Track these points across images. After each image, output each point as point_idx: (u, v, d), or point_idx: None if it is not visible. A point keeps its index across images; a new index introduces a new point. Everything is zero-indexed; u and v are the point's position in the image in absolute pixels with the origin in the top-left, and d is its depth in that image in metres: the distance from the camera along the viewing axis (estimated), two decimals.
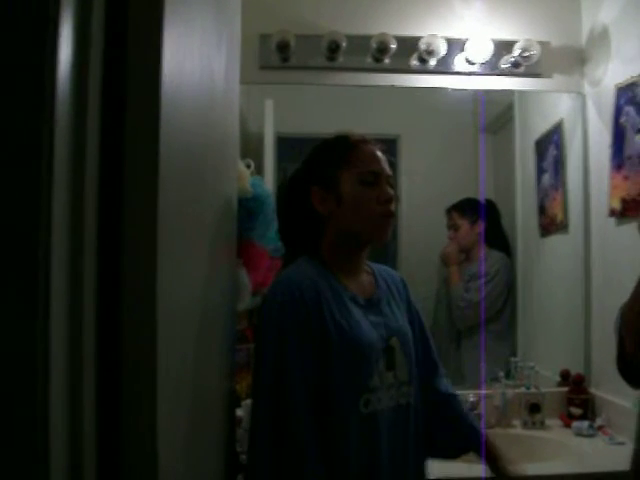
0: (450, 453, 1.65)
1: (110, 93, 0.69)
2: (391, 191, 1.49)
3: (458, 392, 2.56)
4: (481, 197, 2.90)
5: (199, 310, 1.05)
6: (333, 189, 1.48)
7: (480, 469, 1.62)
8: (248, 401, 2.04)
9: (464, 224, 2.92)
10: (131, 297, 0.70)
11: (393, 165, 1.55)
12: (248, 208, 1.71)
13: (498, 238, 2.93)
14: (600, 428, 2.44)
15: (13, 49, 0.57)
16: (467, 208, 2.91)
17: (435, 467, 1.67)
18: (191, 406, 0.98)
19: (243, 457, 1.71)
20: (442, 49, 2.67)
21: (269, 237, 1.76)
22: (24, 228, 0.56)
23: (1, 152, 0.56)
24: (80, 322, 0.63)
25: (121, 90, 0.70)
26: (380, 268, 1.64)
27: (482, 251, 2.90)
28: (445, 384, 1.67)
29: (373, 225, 1.48)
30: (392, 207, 1.48)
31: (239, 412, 1.91)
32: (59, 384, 0.59)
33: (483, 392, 2.60)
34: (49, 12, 0.58)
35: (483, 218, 2.89)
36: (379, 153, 1.52)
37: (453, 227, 2.93)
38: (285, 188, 1.62)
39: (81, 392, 0.63)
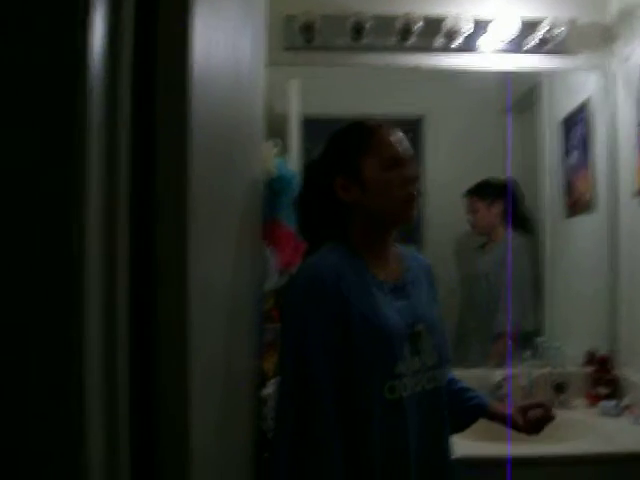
0: (461, 425, 1.68)
1: (141, 78, 0.70)
2: (414, 172, 1.49)
3: (484, 372, 2.61)
4: (508, 177, 2.88)
5: (229, 290, 1.07)
6: (356, 177, 1.48)
7: (501, 448, 1.65)
8: (275, 380, 2.07)
9: (481, 207, 2.90)
10: (164, 279, 0.71)
11: (415, 144, 1.54)
12: (273, 189, 1.72)
13: (519, 219, 2.91)
14: (627, 408, 2.43)
15: (50, 31, 0.58)
16: (484, 190, 2.89)
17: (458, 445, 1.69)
18: (222, 384, 1.00)
19: (270, 435, 1.73)
20: (468, 28, 2.65)
21: (295, 218, 1.77)
22: (61, 210, 0.58)
23: (37, 138, 0.58)
24: (114, 304, 0.64)
25: (151, 74, 0.71)
26: (408, 251, 1.65)
27: (507, 231, 2.88)
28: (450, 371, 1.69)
29: (399, 208, 1.48)
30: (416, 188, 1.49)
31: (266, 391, 1.93)
32: (94, 366, 0.60)
33: (509, 371, 2.60)
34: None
35: (509, 198, 2.87)
36: (397, 135, 1.52)
37: (472, 211, 2.92)
38: (307, 179, 1.62)
39: (115, 371, 0.64)
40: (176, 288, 0.72)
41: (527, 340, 2.79)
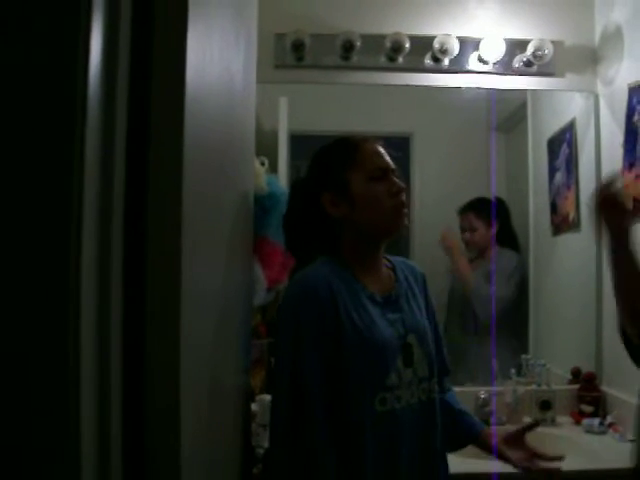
0: (451, 447, 1.67)
1: (136, 94, 0.71)
2: (400, 183, 1.51)
3: (470, 389, 2.62)
4: (492, 196, 2.90)
5: (219, 305, 1.07)
6: (344, 192, 1.49)
7: (487, 465, 1.65)
8: (262, 396, 2.07)
9: (480, 225, 2.91)
10: (155, 291, 0.72)
11: (396, 159, 1.56)
12: (263, 205, 1.73)
13: (509, 237, 2.93)
14: (611, 425, 2.45)
15: (48, 59, 0.59)
16: (482, 208, 2.90)
17: (454, 462, 1.69)
18: (211, 401, 1.01)
19: (258, 451, 1.74)
20: (456, 48, 2.69)
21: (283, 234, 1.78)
22: (57, 222, 0.59)
23: (35, 152, 0.59)
24: (107, 318, 0.65)
25: (146, 90, 0.72)
26: (400, 261, 1.65)
27: (494, 250, 2.90)
28: (448, 383, 1.70)
29: (389, 218, 1.50)
30: (403, 197, 1.50)
31: (253, 407, 1.94)
32: (88, 376, 0.61)
33: (494, 389, 2.61)
34: (80, 16, 0.61)
35: (494, 217, 2.88)
36: (381, 149, 1.54)
37: (470, 229, 2.92)
38: (294, 197, 1.63)
39: (109, 384, 0.65)
40: (169, 298, 0.73)
41: (512, 358, 2.80)
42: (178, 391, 0.74)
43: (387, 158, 1.53)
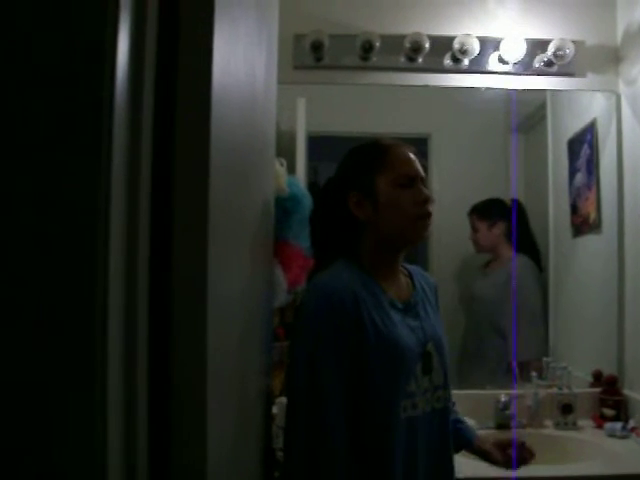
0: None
1: (163, 96, 0.70)
2: (427, 192, 1.49)
3: (490, 392, 2.60)
4: (513, 197, 2.88)
5: (243, 309, 1.07)
6: (370, 194, 1.48)
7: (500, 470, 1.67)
8: (282, 398, 2.06)
9: (482, 227, 2.91)
10: (183, 297, 0.71)
11: (425, 167, 1.55)
12: (284, 207, 1.72)
13: (524, 240, 2.91)
14: (633, 429, 2.42)
15: (74, 66, 0.59)
16: (486, 210, 2.90)
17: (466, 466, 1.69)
18: (236, 404, 1.00)
19: (279, 454, 1.73)
20: (476, 48, 2.67)
21: (304, 236, 1.77)
22: (84, 229, 0.58)
23: (62, 162, 0.58)
24: (135, 324, 0.64)
25: (173, 92, 0.72)
26: (416, 270, 1.64)
27: (511, 252, 2.87)
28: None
29: (412, 226, 1.48)
30: (430, 208, 1.48)
31: (274, 409, 1.93)
32: (114, 382, 0.60)
33: (514, 392, 2.59)
34: (107, 19, 0.60)
35: (514, 219, 2.86)
36: (412, 156, 1.52)
37: (473, 229, 2.93)
38: (321, 196, 1.63)
39: (136, 389, 0.64)
40: (196, 307, 0.72)
41: (534, 361, 2.78)
42: (205, 400, 0.73)
43: (417, 166, 1.51)
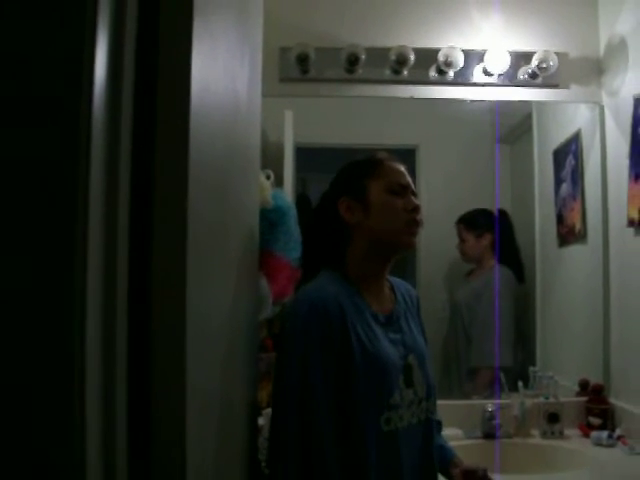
0: None
1: (141, 112, 0.71)
2: (417, 202, 1.52)
3: (477, 402, 2.61)
4: (496, 208, 2.90)
5: (226, 321, 1.07)
6: (361, 198, 1.51)
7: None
8: (269, 410, 2.06)
9: (469, 237, 2.93)
10: (161, 311, 0.72)
11: (414, 181, 1.59)
12: (269, 219, 1.73)
13: (507, 252, 2.92)
14: (619, 438, 2.43)
15: (52, 82, 0.60)
16: (473, 221, 2.92)
17: None
18: (219, 416, 1.00)
19: (264, 466, 1.72)
20: (460, 61, 2.70)
21: (290, 248, 1.77)
22: (61, 254, 0.59)
23: (38, 176, 0.59)
24: (113, 336, 0.65)
25: (152, 105, 0.73)
26: (397, 282, 1.66)
27: (493, 263, 2.89)
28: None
29: (401, 232, 1.50)
30: (419, 217, 1.51)
31: (260, 421, 1.93)
32: (93, 397, 0.61)
33: (497, 402, 2.60)
34: (85, 25, 0.61)
35: (497, 229, 2.88)
36: (404, 169, 1.56)
37: (461, 240, 2.95)
38: (315, 208, 1.66)
39: (114, 401, 0.65)
40: (174, 320, 0.72)
41: (515, 371, 2.79)
42: (184, 409, 0.73)
43: (408, 178, 1.56)
